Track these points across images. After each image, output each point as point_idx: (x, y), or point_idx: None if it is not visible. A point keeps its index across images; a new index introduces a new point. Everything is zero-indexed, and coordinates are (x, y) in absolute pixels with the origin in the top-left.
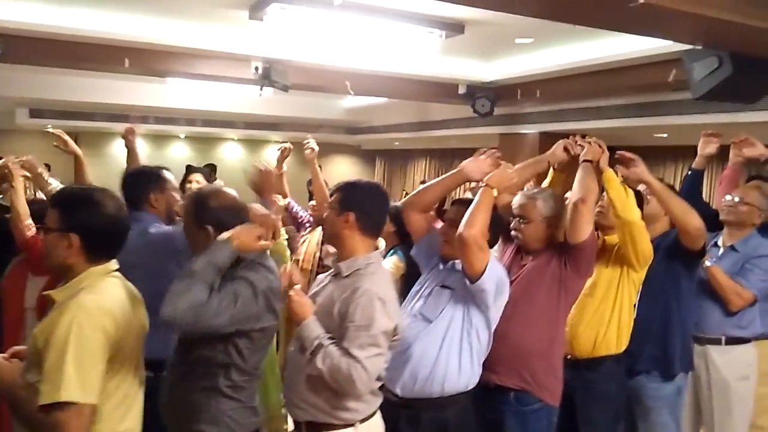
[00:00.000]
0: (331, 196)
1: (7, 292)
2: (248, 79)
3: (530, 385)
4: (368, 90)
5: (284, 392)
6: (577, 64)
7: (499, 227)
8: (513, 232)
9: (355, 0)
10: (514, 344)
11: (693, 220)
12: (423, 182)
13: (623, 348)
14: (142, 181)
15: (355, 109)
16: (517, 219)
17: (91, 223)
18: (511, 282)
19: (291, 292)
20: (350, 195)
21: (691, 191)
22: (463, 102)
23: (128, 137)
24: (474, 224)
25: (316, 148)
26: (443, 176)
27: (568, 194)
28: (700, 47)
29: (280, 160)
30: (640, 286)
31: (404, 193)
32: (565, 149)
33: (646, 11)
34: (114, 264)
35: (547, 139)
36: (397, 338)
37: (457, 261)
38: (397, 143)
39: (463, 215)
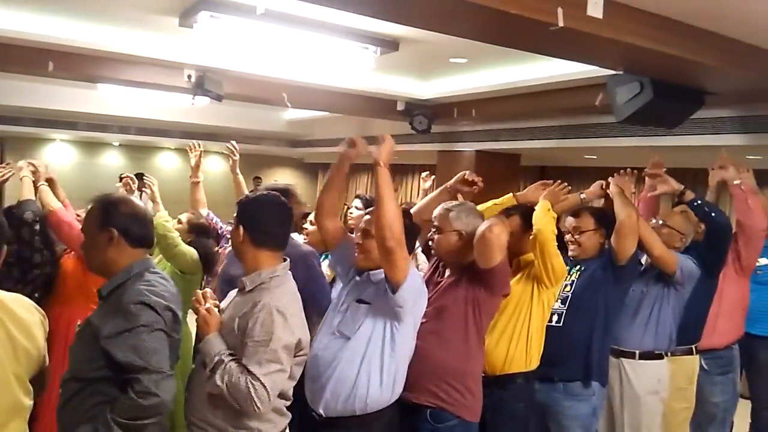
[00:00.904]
0: None
1: None
2: (181, 88)
3: (445, 402)
4: (306, 103)
5: (185, 412)
6: (510, 86)
7: (414, 236)
8: (430, 242)
9: (286, 12)
10: (428, 362)
11: (631, 218)
12: (358, 196)
13: (533, 366)
14: None
15: (296, 122)
16: (433, 229)
17: None
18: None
19: (199, 306)
20: (242, 209)
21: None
22: (402, 118)
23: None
24: (393, 227)
25: (236, 156)
26: (330, 173)
27: None
28: (622, 72)
29: (196, 167)
30: (553, 303)
31: (345, 207)
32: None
33: (567, 36)
34: None
35: (483, 157)
36: (303, 353)
37: (372, 272)
38: None
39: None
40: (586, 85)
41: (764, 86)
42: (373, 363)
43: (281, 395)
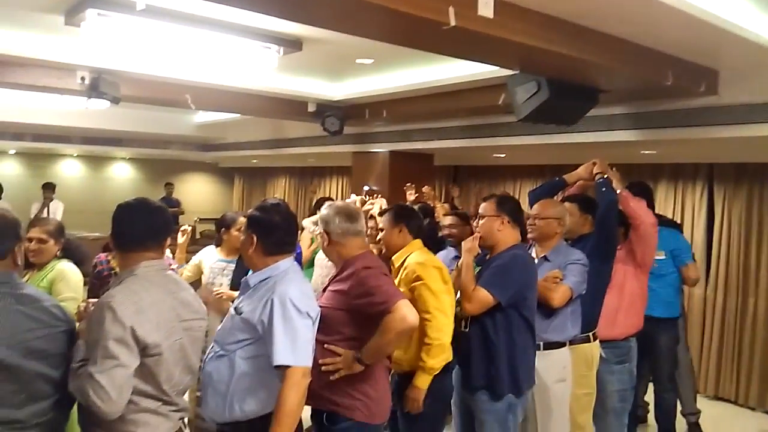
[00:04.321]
0: None
1: None
2: (74, 90)
3: (338, 405)
4: (213, 105)
5: None
6: (418, 87)
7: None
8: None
9: (179, 10)
10: (317, 368)
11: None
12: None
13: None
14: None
15: (207, 125)
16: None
17: None
18: None
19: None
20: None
21: (543, 195)
22: (313, 120)
23: None
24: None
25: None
26: None
27: None
28: (519, 72)
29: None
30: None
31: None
32: None
33: (460, 36)
34: None
35: (397, 158)
36: (154, 352)
37: (251, 275)
38: (255, 161)
39: None
40: (490, 85)
41: (651, 83)
42: (249, 379)
43: (142, 393)
